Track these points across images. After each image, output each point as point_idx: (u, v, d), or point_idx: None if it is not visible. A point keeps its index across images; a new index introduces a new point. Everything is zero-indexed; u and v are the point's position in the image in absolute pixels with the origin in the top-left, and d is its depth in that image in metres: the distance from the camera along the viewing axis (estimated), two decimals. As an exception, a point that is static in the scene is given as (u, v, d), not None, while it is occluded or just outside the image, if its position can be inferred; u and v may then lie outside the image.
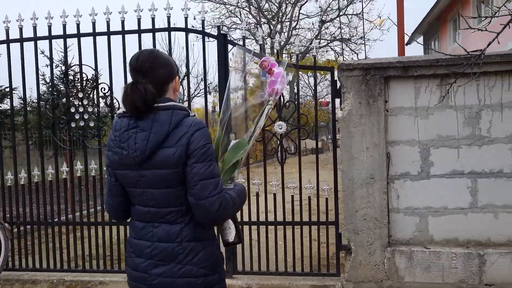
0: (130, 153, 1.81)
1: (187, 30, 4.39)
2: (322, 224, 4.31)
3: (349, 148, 4.03)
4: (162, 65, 1.89)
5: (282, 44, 20.83)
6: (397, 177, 4.09)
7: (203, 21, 4.33)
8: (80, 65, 4.50)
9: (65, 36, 4.56)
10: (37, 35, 4.61)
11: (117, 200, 1.98)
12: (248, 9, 21.70)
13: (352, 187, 4.05)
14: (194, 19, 4.31)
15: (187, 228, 1.85)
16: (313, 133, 5.14)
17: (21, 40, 4.60)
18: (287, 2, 21.84)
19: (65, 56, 4.68)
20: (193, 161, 1.77)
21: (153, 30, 4.40)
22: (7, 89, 4.91)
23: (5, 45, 4.65)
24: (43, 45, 4.74)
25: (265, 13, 21.58)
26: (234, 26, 21.62)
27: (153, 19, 4.37)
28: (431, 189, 4.03)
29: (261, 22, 21.71)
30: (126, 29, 4.44)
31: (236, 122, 2.20)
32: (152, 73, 1.85)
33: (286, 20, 22.18)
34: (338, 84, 4.14)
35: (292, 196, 4.30)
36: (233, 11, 21.73)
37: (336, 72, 4.19)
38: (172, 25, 4.40)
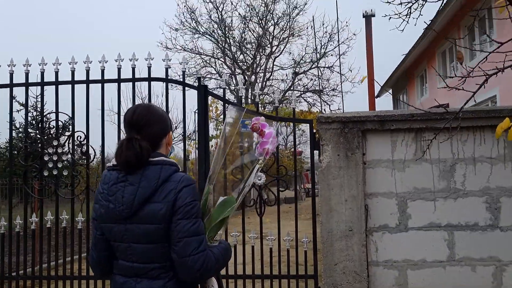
0: (117, 206, 1.79)
1: (167, 81, 4.41)
2: (301, 278, 4.22)
3: (328, 200, 4.04)
4: (157, 121, 1.91)
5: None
6: (375, 229, 4.09)
7: (183, 72, 4.38)
8: (57, 112, 4.43)
9: (42, 84, 4.51)
10: (13, 82, 4.55)
11: (102, 255, 1.93)
12: (223, 60, 22.18)
13: (331, 239, 4.02)
14: (169, 67, 4.35)
15: (170, 284, 1.80)
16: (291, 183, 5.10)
17: None
18: (262, 54, 22.47)
19: (42, 104, 4.60)
20: (178, 217, 1.76)
21: (133, 80, 4.41)
22: None
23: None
24: (16, 91, 4.64)
25: (240, 64, 22.10)
26: (209, 76, 21.99)
27: (133, 69, 4.39)
28: (409, 241, 4.04)
29: (236, 73, 22.17)
30: (106, 77, 4.43)
31: (223, 178, 2.21)
32: (147, 129, 1.87)
33: (260, 71, 22.73)
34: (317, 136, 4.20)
35: (271, 249, 4.22)
36: (208, 61, 22.18)
37: (314, 124, 4.25)
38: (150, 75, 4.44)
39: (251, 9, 21.44)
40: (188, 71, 20.97)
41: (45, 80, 4.52)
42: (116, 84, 4.41)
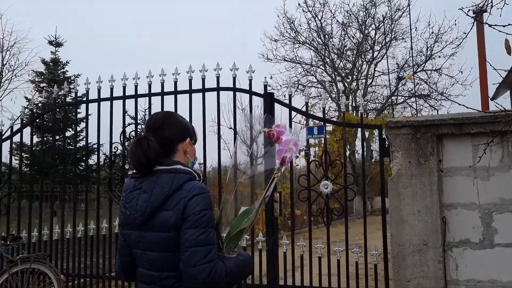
0: (132, 213, 1.82)
1: (235, 90, 4.48)
2: (371, 293, 3.96)
3: (398, 211, 3.73)
4: (171, 125, 1.92)
5: (357, 101, 20.64)
6: (455, 244, 3.68)
7: (250, 81, 4.41)
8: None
9: (136, 96, 4.85)
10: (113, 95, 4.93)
11: (125, 261, 1.98)
12: (323, 68, 21.98)
13: (403, 253, 3.70)
14: (271, 78, 4.38)
15: None
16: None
17: (102, 99, 4.95)
18: (363, 59, 21.84)
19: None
20: (186, 226, 1.73)
21: (203, 90, 4.55)
22: (95, 146, 5.26)
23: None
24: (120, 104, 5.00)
25: (340, 71, 21.70)
26: (309, 84, 21.93)
27: (203, 80, 4.54)
28: (495, 259, 3.56)
29: (337, 80, 21.82)
30: (179, 89, 4.64)
31: (244, 188, 2.14)
32: (160, 131, 1.88)
33: (361, 77, 22.09)
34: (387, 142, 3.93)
35: (338, 261, 4.03)
36: (309, 70, 22.14)
37: (384, 130, 3.99)
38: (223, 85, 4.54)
39: (350, 15, 21.01)
40: (289, 80, 21.17)
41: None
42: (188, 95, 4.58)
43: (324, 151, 4.09)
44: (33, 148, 7.45)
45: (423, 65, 20.40)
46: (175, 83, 4.66)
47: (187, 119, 4.45)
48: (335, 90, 21.74)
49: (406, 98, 20.82)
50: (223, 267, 1.74)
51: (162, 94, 4.72)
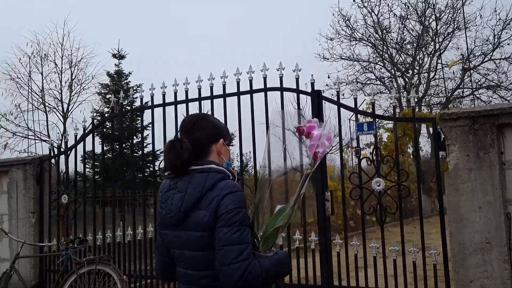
0: (167, 213, 1.85)
1: (282, 89, 4.46)
2: (431, 295, 3.76)
3: (457, 208, 3.53)
4: (204, 127, 1.93)
5: (420, 96, 19.86)
6: (522, 242, 3.42)
7: (297, 79, 4.37)
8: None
9: (200, 99, 4.95)
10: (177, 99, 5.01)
11: (163, 261, 2.00)
12: (382, 64, 21.35)
13: (464, 252, 3.49)
14: (328, 77, 4.30)
15: None
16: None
17: (166, 104, 5.07)
18: (424, 52, 20.97)
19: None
20: (221, 224, 1.73)
21: (251, 92, 4.57)
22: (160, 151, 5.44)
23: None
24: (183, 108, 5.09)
25: (399, 66, 20.96)
26: (368, 82, 21.38)
27: (250, 81, 4.56)
28: None
29: (396, 75, 21.10)
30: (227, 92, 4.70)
31: (278, 186, 2.10)
32: (192, 133, 1.90)
33: (423, 71, 21.20)
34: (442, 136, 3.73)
35: (394, 261, 3.87)
36: (367, 67, 21.58)
37: (438, 123, 3.79)
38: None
39: (409, 7, 20.23)
40: (347, 78, 20.76)
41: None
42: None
43: (375, 147, 3.95)
44: (100, 157, 7.81)
45: (491, 54, 19.21)
46: (224, 86, 4.72)
47: (237, 121, 4.58)
48: (395, 86, 21.00)
49: (473, 90, 19.69)
50: (258, 266, 1.72)
51: (212, 97, 4.80)
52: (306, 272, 4.26)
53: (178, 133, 1.97)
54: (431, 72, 20.85)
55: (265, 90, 4.53)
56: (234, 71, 4.60)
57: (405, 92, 20.22)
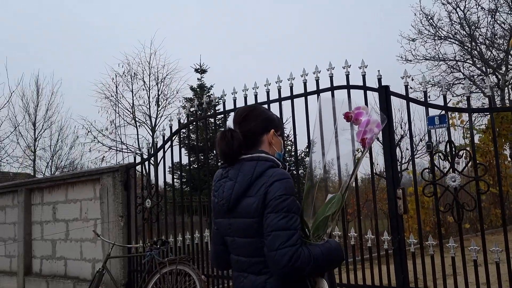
0: (219, 201, 1.92)
1: (349, 87, 4.41)
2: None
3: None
4: (256, 117, 1.97)
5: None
6: None
7: (363, 76, 4.30)
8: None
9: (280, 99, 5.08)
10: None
11: (218, 249, 2.05)
12: (471, 61, 20.07)
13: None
14: (412, 80, 4.14)
15: (272, 280, 1.79)
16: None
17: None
18: (520, 46, 19.36)
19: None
20: (268, 211, 1.76)
21: (318, 92, 4.59)
22: None
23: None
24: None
25: (491, 62, 19.55)
26: (457, 82, 20.20)
27: (317, 81, 4.59)
28: None
29: (488, 72, 19.69)
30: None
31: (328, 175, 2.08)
32: (245, 123, 1.96)
33: (519, 66, 19.56)
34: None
35: (475, 261, 3.61)
36: (454, 66, 20.42)
37: None
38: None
39: (499, -1, 18.85)
40: (433, 79, 19.79)
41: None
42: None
43: (449, 141, 3.74)
44: (184, 167, 8.25)
45: None
46: (291, 88, 4.78)
47: (305, 121, 4.59)
48: (488, 83, 19.61)
49: None
50: (308, 253, 1.72)
51: (280, 100, 4.88)
52: (380, 273, 4.13)
53: (232, 123, 2.01)
54: (528, 67, 19.19)
55: (332, 89, 4.51)
56: (304, 72, 4.65)
57: (498, 90, 18.80)
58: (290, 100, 4.79)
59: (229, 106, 5.47)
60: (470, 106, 3.87)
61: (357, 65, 4.34)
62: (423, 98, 4.14)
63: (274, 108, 4.87)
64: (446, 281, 3.75)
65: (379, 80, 4.26)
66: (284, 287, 1.77)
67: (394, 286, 4.05)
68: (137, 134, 17.23)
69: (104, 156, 17.30)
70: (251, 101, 5.13)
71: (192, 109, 6.11)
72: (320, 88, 4.59)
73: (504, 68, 19.38)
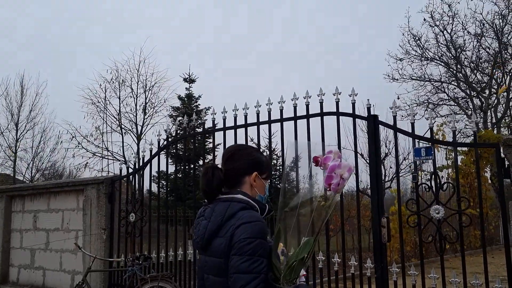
0: (196, 239, 1.94)
1: (338, 114, 4.47)
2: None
3: (523, 239, 3.32)
4: (241, 157, 1.98)
5: (498, 117, 18.78)
6: None
7: (353, 104, 4.36)
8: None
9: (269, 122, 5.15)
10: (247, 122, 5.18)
11: (200, 283, 2.05)
12: (455, 83, 20.45)
13: (531, 288, 3.26)
14: (398, 98, 4.21)
15: None
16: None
17: (227, 128, 5.30)
18: (502, 71, 19.83)
19: (246, 142, 5.20)
20: (233, 252, 1.77)
21: (307, 116, 4.64)
22: None
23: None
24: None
25: (475, 85, 19.95)
26: (441, 103, 20.57)
27: (307, 106, 4.64)
28: None
29: (472, 95, 20.10)
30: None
31: (305, 218, 2.05)
32: (230, 162, 1.97)
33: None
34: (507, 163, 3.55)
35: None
36: (439, 87, 20.79)
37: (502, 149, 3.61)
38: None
39: (484, 24, 19.30)
40: (418, 99, 20.08)
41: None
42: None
43: (433, 173, 3.83)
44: (169, 177, 8.19)
45: None
46: (281, 110, 4.83)
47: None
48: (471, 107, 19.98)
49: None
50: None
51: (269, 122, 4.92)
52: (362, 300, 4.17)
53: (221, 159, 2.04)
54: (510, 92, 19.62)
55: (322, 114, 4.57)
56: (294, 95, 4.70)
57: (482, 113, 19.18)
58: (279, 123, 4.83)
59: (219, 119, 5.51)
60: (455, 140, 3.96)
61: (347, 92, 4.41)
62: (393, 122, 4.24)
63: (264, 127, 4.93)
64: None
65: (368, 109, 4.33)
66: None
67: (375, 314, 4.09)
68: (123, 142, 17.11)
69: (87, 162, 17.11)
70: (241, 120, 5.17)
71: (180, 122, 6.09)
72: (310, 113, 4.64)
73: (487, 92, 19.79)
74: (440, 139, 14.41)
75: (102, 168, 16.90)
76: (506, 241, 3.59)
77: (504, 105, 19.67)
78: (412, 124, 4.11)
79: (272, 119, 4.90)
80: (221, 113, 5.29)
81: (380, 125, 4.28)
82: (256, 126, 5.04)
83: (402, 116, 16.61)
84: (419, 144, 4.08)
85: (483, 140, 14.01)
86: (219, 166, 1.98)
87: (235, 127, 5.19)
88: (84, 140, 17.05)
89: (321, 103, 4.57)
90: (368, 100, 4.29)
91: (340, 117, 4.49)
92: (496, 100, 19.99)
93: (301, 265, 1.83)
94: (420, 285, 3.86)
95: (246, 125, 5.13)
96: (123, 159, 16.61)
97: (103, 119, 17.07)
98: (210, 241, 1.87)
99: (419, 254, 3.89)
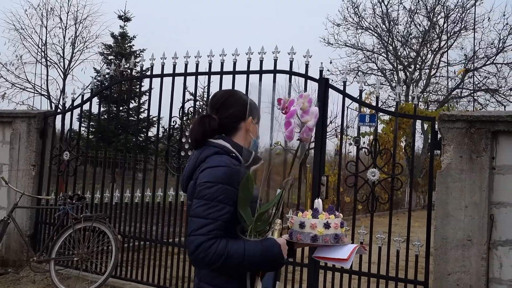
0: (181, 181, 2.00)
1: (291, 73, 4.59)
2: (410, 283, 4.00)
3: (444, 205, 3.74)
4: (234, 103, 1.92)
5: (419, 92, 20.04)
6: (501, 243, 3.65)
7: (306, 65, 4.50)
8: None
9: (187, 74, 5.11)
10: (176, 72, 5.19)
11: None
12: (385, 55, 21.41)
13: (445, 247, 3.72)
14: (331, 63, 4.40)
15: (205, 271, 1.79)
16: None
17: (165, 75, 5.26)
18: (429, 49, 21.04)
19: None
20: (194, 196, 1.79)
21: (260, 72, 4.71)
22: (155, 118, 5.65)
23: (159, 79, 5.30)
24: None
25: (402, 59, 21.04)
26: (369, 72, 21.50)
27: (261, 62, 4.70)
28: (543, 262, 3.51)
29: (398, 68, 21.20)
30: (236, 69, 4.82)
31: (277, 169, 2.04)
32: (224, 109, 1.90)
33: (425, 67, 21.32)
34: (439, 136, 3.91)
35: (380, 248, 4.10)
36: (370, 57, 21.66)
37: (437, 123, 3.97)
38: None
39: (418, 1, 20.20)
40: (349, 66, 20.78)
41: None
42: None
43: (374, 139, 4.14)
44: (100, 117, 7.94)
45: (494, 58, 19.35)
46: (234, 63, 4.84)
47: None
48: (396, 79, 21.15)
49: (471, 91, 19.89)
50: (221, 248, 1.65)
51: (221, 73, 4.92)
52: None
53: (209, 107, 1.95)
54: (432, 69, 20.98)
55: (275, 72, 4.66)
56: (249, 50, 4.71)
57: (404, 86, 20.38)
58: (231, 76, 4.85)
59: (157, 70, 5.38)
60: (397, 111, 4.28)
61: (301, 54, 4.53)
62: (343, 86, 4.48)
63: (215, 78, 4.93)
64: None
65: (321, 71, 4.49)
66: (211, 275, 1.76)
67: (306, 263, 4.43)
68: (47, 75, 16.03)
69: (5, 93, 15.89)
70: (180, 69, 5.13)
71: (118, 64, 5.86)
72: (264, 69, 4.71)
73: (413, 67, 20.98)
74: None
75: (22, 101, 15.81)
76: (429, 206, 4.02)
77: (424, 81, 21.05)
78: (360, 91, 4.36)
79: (224, 70, 4.90)
80: (172, 58, 5.17)
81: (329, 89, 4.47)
82: (207, 76, 5.02)
83: (333, 80, 17.22)
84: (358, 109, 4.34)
85: (403, 112, 15.01)
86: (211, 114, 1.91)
87: (185, 74, 5.13)
88: (3, 69, 15.74)
89: (275, 60, 4.65)
90: (321, 63, 4.44)
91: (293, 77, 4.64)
92: (418, 76, 21.33)
93: (269, 216, 1.74)
94: (350, 238, 4.23)
95: (196, 74, 5.09)
96: (47, 94, 15.65)
97: (26, 48, 15.79)
98: (187, 184, 1.89)
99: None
